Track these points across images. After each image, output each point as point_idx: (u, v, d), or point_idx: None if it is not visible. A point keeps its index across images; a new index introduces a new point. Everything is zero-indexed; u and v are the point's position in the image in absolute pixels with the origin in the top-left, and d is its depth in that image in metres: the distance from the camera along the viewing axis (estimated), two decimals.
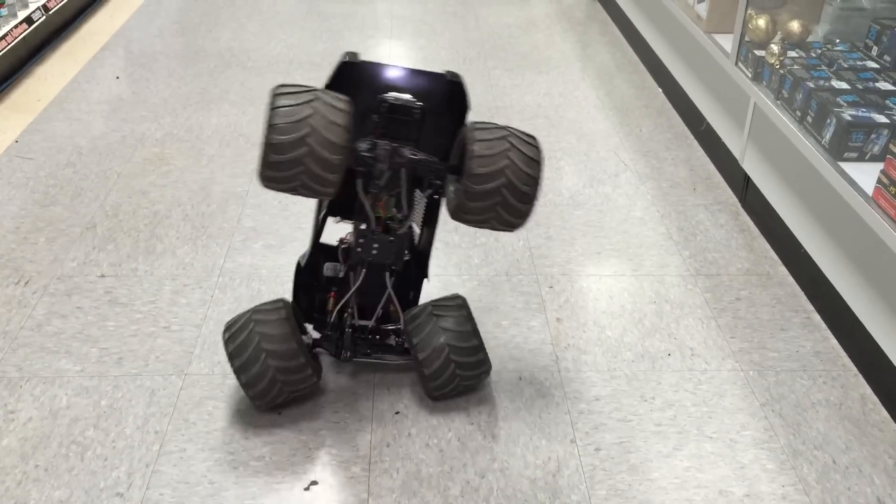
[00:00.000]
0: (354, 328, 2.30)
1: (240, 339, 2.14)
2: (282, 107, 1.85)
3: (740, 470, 2.11)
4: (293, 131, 1.83)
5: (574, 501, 2.01)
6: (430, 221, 2.28)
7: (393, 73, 2.13)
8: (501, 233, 3.07)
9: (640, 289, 2.79)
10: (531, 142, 2.01)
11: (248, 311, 2.21)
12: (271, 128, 1.83)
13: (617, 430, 2.22)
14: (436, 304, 2.27)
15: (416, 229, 2.35)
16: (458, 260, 2.91)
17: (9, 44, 4.14)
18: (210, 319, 2.59)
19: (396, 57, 4.70)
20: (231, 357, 2.15)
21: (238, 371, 2.14)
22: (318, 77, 4.38)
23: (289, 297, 2.36)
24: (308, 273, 2.34)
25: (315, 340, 2.31)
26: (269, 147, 1.83)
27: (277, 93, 1.89)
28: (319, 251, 2.33)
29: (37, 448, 2.12)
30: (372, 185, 2.07)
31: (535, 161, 1.98)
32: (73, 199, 3.23)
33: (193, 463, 2.09)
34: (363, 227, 2.15)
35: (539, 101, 4.17)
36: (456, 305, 2.27)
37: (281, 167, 1.85)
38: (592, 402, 2.31)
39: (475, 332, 2.25)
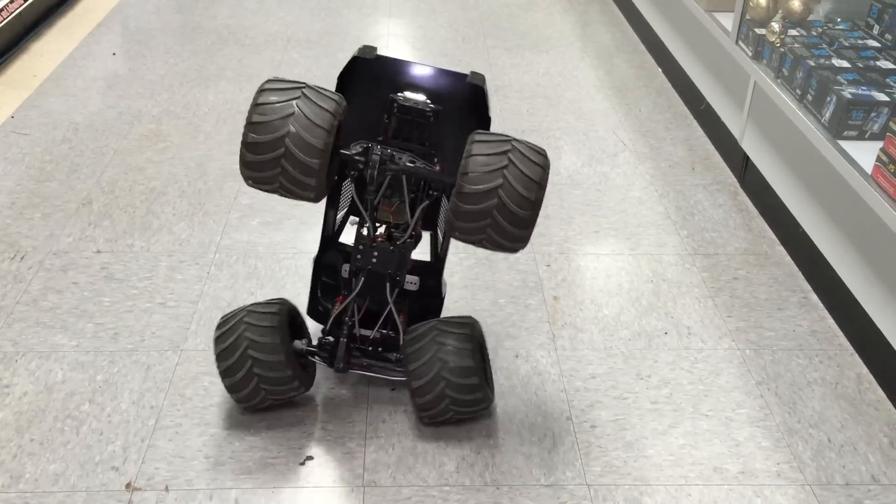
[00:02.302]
0: (353, 337, 2.13)
1: (228, 342, 2.03)
2: (263, 104, 1.77)
3: (735, 447, 2.11)
4: (271, 131, 1.75)
5: (569, 478, 2.02)
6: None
7: (410, 71, 2.01)
8: None
9: (638, 268, 2.78)
10: (535, 159, 1.81)
11: (243, 309, 2.09)
12: (249, 125, 1.77)
13: (613, 408, 2.22)
14: (442, 326, 2.06)
15: (440, 236, 2.22)
16: None
17: (4, 19, 4.11)
18: (206, 296, 2.59)
19: (394, 36, 4.67)
20: (217, 359, 2.05)
21: (222, 374, 2.05)
22: (315, 55, 4.36)
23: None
24: (326, 271, 2.23)
25: (307, 350, 2.11)
26: (246, 146, 1.77)
27: (263, 88, 1.81)
28: (339, 251, 2.22)
29: (32, 422, 2.12)
30: (368, 190, 1.96)
31: (535, 182, 1.79)
32: (69, 175, 3.22)
33: (189, 438, 2.09)
34: (364, 233, 2.03)
35: (538, 80, 4.15)
36: (463, 335, 2.05)
37: (258, 167, 1.78)
38: (588, 380, 2.31)
39: (477, 369, 2.04)
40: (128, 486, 1.96)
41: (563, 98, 3.97)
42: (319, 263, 2.26)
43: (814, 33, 2.91)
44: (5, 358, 2.33)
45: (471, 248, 2.84)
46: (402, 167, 1.92)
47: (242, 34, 4.61)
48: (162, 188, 3.15)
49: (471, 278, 2.69)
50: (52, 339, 2.40)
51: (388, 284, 2.06)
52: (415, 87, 1.99)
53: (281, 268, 2.72)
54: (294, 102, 1.77)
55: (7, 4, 4.13)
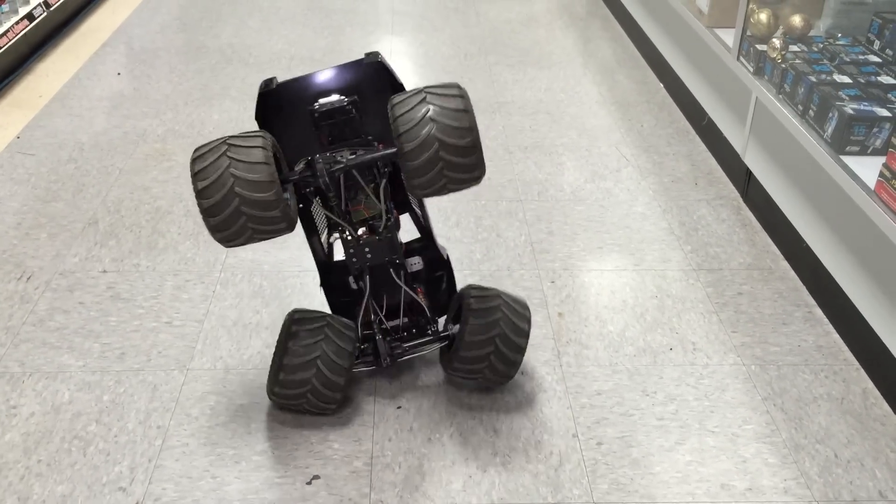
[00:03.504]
0: (387, 332, 2.27)
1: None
2: (199, 170, 1.83)
3: (742, 464, 2.11)
4: (219, 188, 1.80)
5: (576, 496, 2.02)
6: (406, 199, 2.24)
7: (313, 81, 2.08)
8: (504, 229, 3.07)
9: (642, 283, 2.79)
10: (451, 92, 1.90)
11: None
12: (199, 194, 1.82)
13: (619, 425, 2.22)
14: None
15: (418, 211, 2.30)
16: (460, 255, 2.91)
17: (10, 40, 4.14)
18: (212, 314, 2.59)
19: (397, 53, 4.70)
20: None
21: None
22: None
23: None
24: (338, 292, 2.32)
25: (355, 361, 2.22)
26: (205, 212, 1.82)
27: (193, 158, 1.86)
28: (340, 268, 2.29)
29: (39, 443, 2.13)
30: (329, 199, 2.06)
31: (461, 111, 1.87)
32: (74, 195, 3.23)
33: (196, 457, 2.10)
34: (348, 237, 2.13)
35: (540, 96, 4.17)
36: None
37: (224, 225, 1.83)
38: (594, 397, 2.32)
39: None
40: None
41: (565, 114, 3.98)
42: (329, 286, 2.32)
43: (815, 49, 2.93)
44: (12, 379, 2.33)
45: (475, 264, 2.85)
46: (346, 162, 1.99)
47: (246, 53, 4.64)
48: (167, 207, 3.16)
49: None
50: (59, 360, 2.40)
51: (391, 270, 2.18)
52: (325, 93, 2.07)
53: (286, 286, 2.73)
54: (225, 155, 1.83)
55: (13, 26, 4.16)
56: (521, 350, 2.23)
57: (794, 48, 2.91)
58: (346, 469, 2.08)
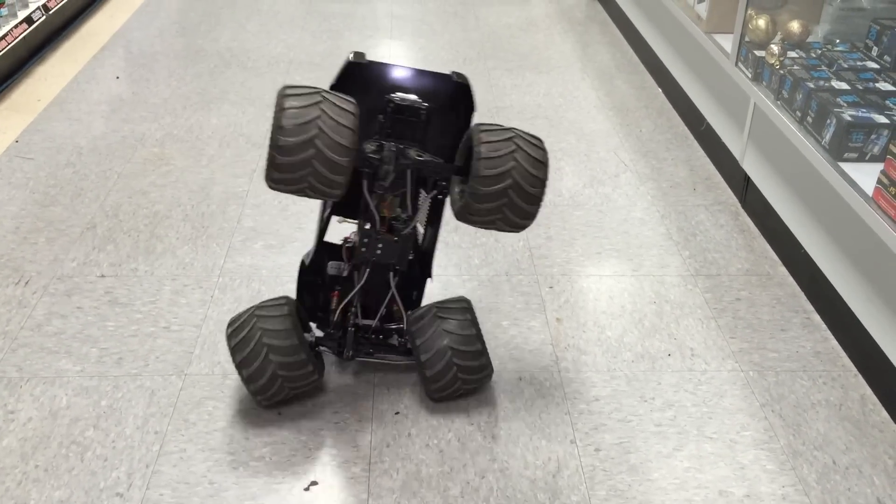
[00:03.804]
0: (357, 327, 2.29)
1: (242, 334, 2.15)
2: (290, 108, 1.84)
3: (740, 470, 2.11)
4: (301, 133, 1.82)
5: (574, 502, 2.01)
6: (434, 221, 2.28)
7: (399, 74, 2.12)
8: (501, 233, 3.07)
9: (641, 289, 2.79)
10: (537, 143, 2.02)
11: (252, 307, 2.22)
12: (279, 129, 1.82)
13: (617, 431, 2.22)
14: (440, 305, 2.26)
15: (420, 229, 2.34)
16: (458, 260, 2.91)
17: (9, 44, 4.14)
18: (210, 319, 2.59)
19: (396, 57, 4.70)
20: (233, 352, 2.16)
21: (240, 366, 2.15)
22: (319, 77, 4.38)
23: (292, 295, 2.36)
24: (313, 272, 2.35)
25: (318, 339, 2.30)
26: (277, 149, 1.83)
27: (285, 94, 1.87)
28: (324, 250, 2.34)
29: (37, 448, 2.12)
30: (377, 185, 2.07)
31: (541, 163, 1.98)
32: (73, 199, 3.23)
33: (193, 463, 2.09)
34: (367, 226, 2.15)
35: (539, 101, 4.17)
36: (460, 308, 2.26)
37: (288, 169, 1.84)
38: (592, 403, 2.31)
39: (478, 336, 2.24)
40: None
41: (564, 119, 3.99)
42: (309, 265, 2.35)
43: (813, 55, 2.93)
44: (10, 384, 2.33)
45: (472, 269, 2.85)
46: (413, 161, 2.03)
47: (245, 57, 4.64)
48: (165, 212, 3.16)
49: (474, 300, 2.69)
50: (57, 365, 2.40)
51: (391, 273, 2.23)
52: (404, 89, 2.09)
53: (284, 291, 2.73)
54: (318, 106, 1.85)
55: (11, 29, 4.16)
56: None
57: (792, 54, 2.92)
58: (344, 475, 2.08)
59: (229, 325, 2.21)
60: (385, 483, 2.05)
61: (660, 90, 4.31)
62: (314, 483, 2.05)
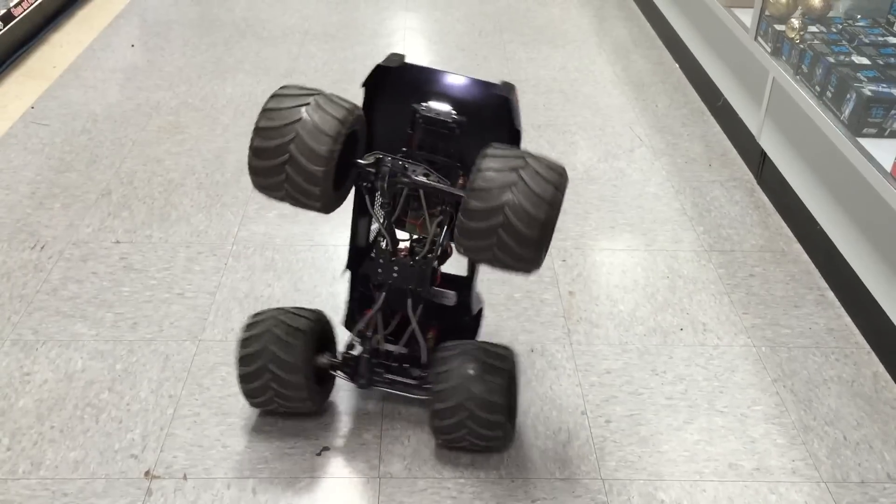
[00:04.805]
0: (377, 352, 2.08)
1: (251, 348, 1.99)
2: (271, 109, 1.75)
3: (750, 444, 2.11)
4: (276, 136, 1.72)
5: (584, 472, 2.03)
6: None
7: (437, 80, 1.95)
8: None
9: (654, 263, 2.78)
10: (548, 176, 1.71)
11: (274, 313, 2.03)
12: (256, 130, 1.75)
13: (628, 403, 2.23)
14: (475, 351, 1.97)
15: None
16: None
17: (24, 10, 4.14)
18: (224, 287, 2.61)
19: (411, 29, 4.67)
20: (239, 362, 2.01)
21: (241, 379, 2.02)
22: (332, 48, 4.37)
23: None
24: (364, 282, 2.11)
25: (332, 363, 2.08)
26: (252, 151, 1.76)
27: (275, 94, 1.79)
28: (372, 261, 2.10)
29: (52, 409, 2.15)
30: (381, 202, 1.93)
31: (544, 201, 1.68)
32: (88, 165, 3.24)
33: (207, 427, 2.11)
34: (384, 246, 1.99)
35: (555, 75, 4.14)
36: (495, 367, 1.95)
37: (262, 173, 1.76)
38: (604, 375, 2.32)
39: (503, 407, 1.94)
40: (146, 473, 1.99)
41: (579, 93, 3.96)
42: (355, 274, 2.15)
43: (834, 30, 2.90)
44: (26, 346, 2.35)
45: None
46: (411, 180, 1.88)
47: (260, 27, 4.62)
48: (180, 180, 3.17)
49: (486, 271, 2.69)
50: (72, 329, 2.42)
51: (409, 300, 1.99)
52: (441, 97, 1.93)
53: (298, 259, 2.74)
54: (303, 109, 1.74)
55: None
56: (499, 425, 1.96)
57: (812, 29, 2.88)
58: (356, 441, 2.09)
59: (245, 328, 2.04)
60: (396, 450, 2.07)
61: (677, 65, 4.28)
62: (326, 448, 2.07)
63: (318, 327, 2.06)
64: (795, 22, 2.83)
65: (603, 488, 1.99)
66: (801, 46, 2.77)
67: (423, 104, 1.90)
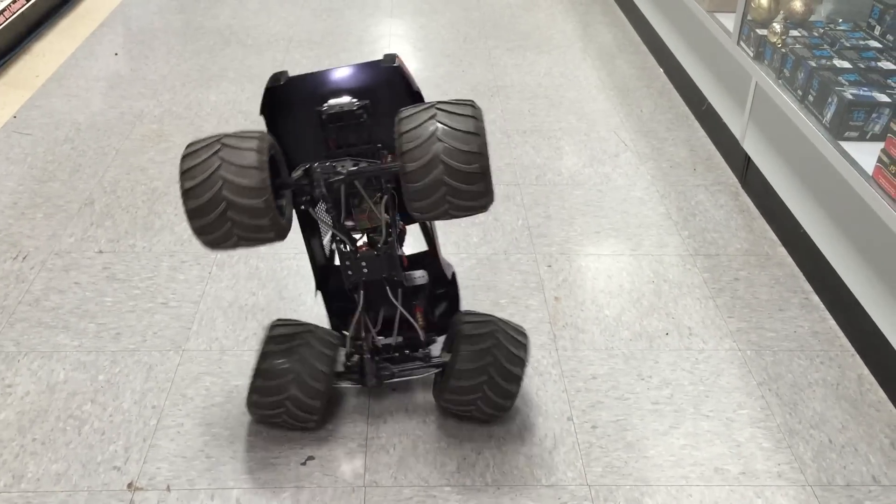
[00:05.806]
0: (376, 350, 2.13)
1: (277, 363, 2.00)
2: (189, 168, 1.74)
3: (736, 448, 2.11)
4: (207, 190, 1.71)
5: (570, 478, 2.02)
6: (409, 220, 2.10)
7: (325, 79, 1.97)
8: (501, 211, 3.06)
9: (639, 268, 2.78)
10: (462, 112, 1.76)
11: (301, 329, 2.07)
12: (185, 194, 1.73)
13: (614, 409, 2.23)
14: (498, 322, 2.11)
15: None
16: (456, 238, 2.91)
17: (7, 19, 4.12)
18: (208, 296, 2.59)
19: (396, 36, 4.68)
20: (258, 375, 2.01)
21: (256, 390, 2.02)
22: (318, 55, 4.36)
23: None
24: (340, 296, 2.16)
25: (337, 374, 2.11)
26: (190, 213, 1.74)
27: (184, 154, 1.78)
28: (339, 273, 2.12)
29: (34, 422, 2.13)
30: (327, 207, 1.94)
31: (471, 134, 1.73)
32: (71, 175, 3.22)
33: (191, 437, 2.10)
34: (345, 249, 2.00)
35: (540, 80, 4.15)
36: (517, 341, 2.11)
37: (209, 229, 1.75)
38: (589, 381, 2.32)
39: (519, 378, 2.07)
40: (130, 485, 1.97)
41: (564, 98, 3.97)
42: (328, 292, 2.21)
43: (815, 34, 2.91)
44: (7, 358, 2.33)
45: (471, 247, 2.85)
46: (346, 174, 1.88)
47: (244, 34, 4.61)
48: (164, 188, 3.15)
49: (472, 279, 2.70)
50: (54, 339, 2.40)
51: (387, 288, 2.03)
52: (336, 93, 1.95)
53: (282, 268, 2.73)
54: (217, 155, 1.74)
55: (9, 5, 4.14)
56: (517, 380, 2.08)
57: (794, 33, 2.90)
58: (341, 450, 2.08)
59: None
60: (382, 458, 2.06)
61: (661, 70, 4.29)
62: (311, 458, 2.06)
63: (337, 346, 2.09)
64: (777, 26, 2.84)
65: (589, 494, 1.98)
66: (783, 50, 2.78)
67: (324, 105, 1.92)
